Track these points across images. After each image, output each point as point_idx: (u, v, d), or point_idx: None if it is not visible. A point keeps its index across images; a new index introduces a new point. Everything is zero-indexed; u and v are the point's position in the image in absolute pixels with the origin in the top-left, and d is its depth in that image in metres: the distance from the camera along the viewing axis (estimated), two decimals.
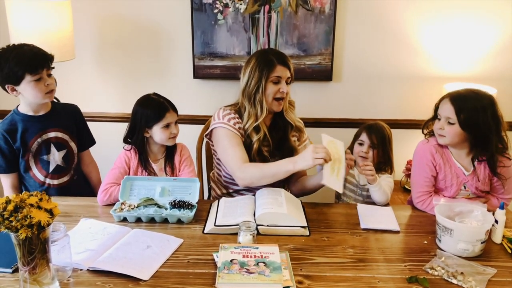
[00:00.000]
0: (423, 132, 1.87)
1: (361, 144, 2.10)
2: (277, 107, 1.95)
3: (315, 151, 1.68)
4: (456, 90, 1.79)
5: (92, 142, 2.13)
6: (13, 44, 1.82)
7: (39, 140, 1.90)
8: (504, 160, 1.76)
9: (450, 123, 1.71)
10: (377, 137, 2.07)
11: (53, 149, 1.94)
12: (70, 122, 2.00)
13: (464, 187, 1.80)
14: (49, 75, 1.84)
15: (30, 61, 1.77)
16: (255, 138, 1.93)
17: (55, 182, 1.97)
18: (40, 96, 1.83)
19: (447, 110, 1.72)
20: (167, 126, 1.87)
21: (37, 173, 1.94)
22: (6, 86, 1.81)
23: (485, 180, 1.78)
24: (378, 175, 2.06)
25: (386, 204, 1.91)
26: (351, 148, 2.19)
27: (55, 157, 1.95)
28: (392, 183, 2.05)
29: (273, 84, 1.90)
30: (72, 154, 2.00)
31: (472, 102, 1.69)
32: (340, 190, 1.75)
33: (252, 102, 1.92)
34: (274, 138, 1.97)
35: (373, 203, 1.91)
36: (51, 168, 1.95)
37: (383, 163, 2.10)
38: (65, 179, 1.99)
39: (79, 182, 2.07)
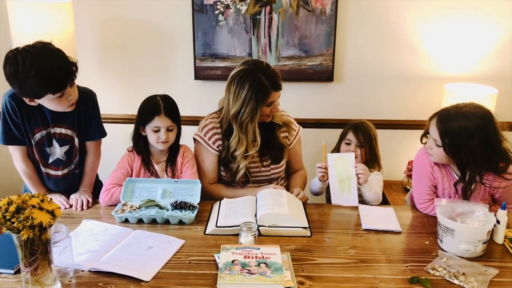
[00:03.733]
0: (421, 142, 1.82)
1: (348, 144, 2.12)
2: (267, 119, 1.96)
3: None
4: (447, 108, 1.69)
5: (97, 134, 1.95)
6: (30, 51, 1.58)
7: (43, 132, 1.82)
8: (500, 180, 1.68)
9: (437, 145, 1.67)
10: (363, 136, 2.10)
11: (55, 143, 1.86)
12: (78, 114, 1.85)
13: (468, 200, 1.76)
14: (71, 85, 1.70)
15: (54, 82, 1.61)
16: (242, 164, 1.93)
17: (52, 172, 1.91)
18: (61, 109, 1.74)
19: (434, 132, 1.67)
20: (156, 129, 1.85)
21: (37, 159, 1.87)
22: (23, 97, 1.69)
23: (485, 196, 1.75)
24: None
25: (387, 205, 1.91)
26: (337, 148, 2.20)
27: (56, 151, 1.87)
28: (382, 180, 2.06)
29: (266, 107, 1.89)
30: (75, 150, 1.92)
31: (458, 124, 1.60)
32: (356, 204, 1.80)
33: (244, 131, 1.89)
34: (262, 138, 1.95)
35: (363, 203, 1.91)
36: (51, 160, 1.88)
37: (371, 160, 2.12)
38: (65, 171, 1.92)
39: (80, 176, 1.98)
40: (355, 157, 2.06)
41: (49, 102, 1.68)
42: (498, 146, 1.64)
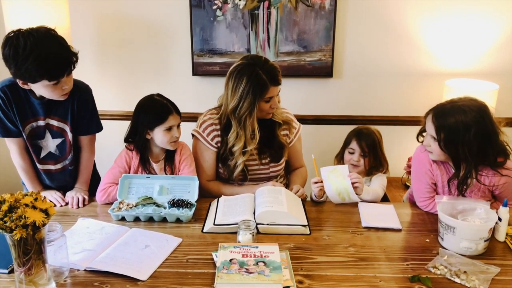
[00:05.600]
0: (418, 140, 1.80)
1: (351, 153, 2.08)
2: (267, 115, 1.94)
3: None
4: (442, 104, 1.67)
5: (91, 128, 1.92)
6: (33, 34, 1.55)
7: (33, 124, 1.79)
8: (498, 176, 1.65)
9: (435, 140, 1.65)
10: (367, 144, 2.06)
11: (47, 135, 1.83)
12: (71, 106, 1.82)
13: (464, 196, 1.73)
14: (68, 74, 1.67)
15: (52, 69, 1.59)
16: (240, 160, 1.91)
17: (46, 167, 1.89)
18: (54, 97, 1.70)
19: (430, 128, 1.66)
20: (169, 129, 1.83)
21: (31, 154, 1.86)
22: (17, 79, 1.64)
23: (484, 193, 1.72)
24: (371, 177, 2.04)
25: (387, 202, 1.89)
26: (341, 155, 2.16)
27: (49, 143, 1.84)
28: (385, 180, 2.04)
29: (265, 102, 1.86)
30: (69, 144, 1.88)
31: (454, 118, 1.58)
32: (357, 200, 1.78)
33: (242, 126, 1.87)
34: (262, 136, 1.93)
35: None
36: (43, 154, 1.86)
37: (375, 167, 2.08)
38: (58, 166, 1.90)
39: (75, 172, 1.95)
40: (358, 166, 2.03)
41: (43, 88, 1.65)
42: (495, 139, 1.61)
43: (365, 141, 2.06)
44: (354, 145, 2.07)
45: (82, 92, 1.85)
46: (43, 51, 1.55)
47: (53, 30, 1.63)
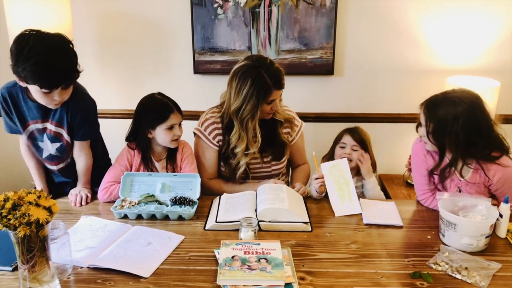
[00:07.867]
0: (417, 131, 1.78)
1: (343, 147, 2.08)
2: (267, 116, 1.94)
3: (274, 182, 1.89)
4: (436, 95, 1.67)
5: (83, 137, 1.88)
6: (45, 39, 1.56)
7: (32, 126, 1.81)
8: (494, 169, 1.63)
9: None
10: (358, 140, 2.06)
11: (45, 139, 1.84)
12: (65, 114, 1.80)
13: (459, 190, 1.73)
14: (63, 88, 1.64)
15: (46, 79, 1.57)
16: (242, 161, 1.91)
17: (49, 166, 1.94)
18: (43, 103, 1.69)
19: (422, 119, 1.66)
20: (170, 127, 1.83)
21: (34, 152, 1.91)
22: (16, 77, 1.64)
23: (480, 187, 1.70)
24: (361, 177, 2.04)
25: (389, 199, 1.90)
26: (331, 152, 2.15)
27: (48, 146, 1.86)
28: (376, 179, 2.05)
29: (266, 104, 1.86)
30: (68, 147, 1.89)
31: (444, 109, 1.58)
32: (359, 211, 1.74)
33: (244, 128, 1.87)
34: (264, 135, 1.93)
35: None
36: (44, 155, 1.88)
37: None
38: (60, 166, 1.93)
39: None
40: (350, 161, 2.02)
41: (35, 91, 1.65)
42: (487, 132, 1.60)
43: (357, 136, 2.07)
44: (346, 139, 2.08)
45: (75, 103, 1.79)
46: (45, 60, 1.54)
47: (68, 43, 1.62)
